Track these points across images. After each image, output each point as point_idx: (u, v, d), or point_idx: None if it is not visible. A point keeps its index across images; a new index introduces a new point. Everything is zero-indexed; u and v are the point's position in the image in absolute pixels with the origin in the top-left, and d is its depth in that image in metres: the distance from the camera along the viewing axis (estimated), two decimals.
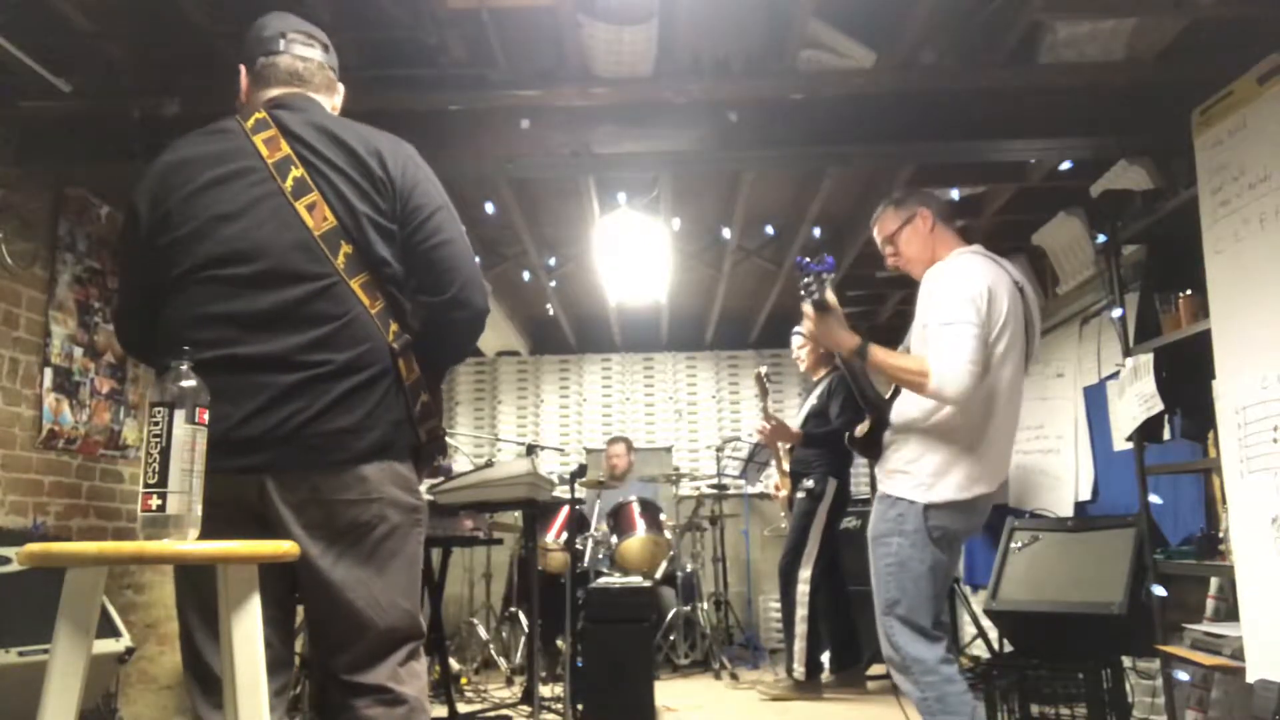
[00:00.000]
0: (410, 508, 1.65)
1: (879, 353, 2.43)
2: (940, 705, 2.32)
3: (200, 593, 1.60)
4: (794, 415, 5.15)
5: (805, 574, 4.54)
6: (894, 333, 7.14)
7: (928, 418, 2.43)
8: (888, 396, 2.57)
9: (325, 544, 1.56)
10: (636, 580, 4.21)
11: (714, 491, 6.06)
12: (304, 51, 1.80)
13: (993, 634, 4.46)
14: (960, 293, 2.38)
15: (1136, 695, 3.53)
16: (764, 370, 4.99)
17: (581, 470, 4.31)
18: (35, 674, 1.29)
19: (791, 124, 3.45)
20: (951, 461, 2.40)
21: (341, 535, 1.57)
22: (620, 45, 3.12)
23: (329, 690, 1.60)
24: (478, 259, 1.76)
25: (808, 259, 2.49)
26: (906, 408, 2.49)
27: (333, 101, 1.85)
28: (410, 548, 1.66)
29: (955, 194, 4.49)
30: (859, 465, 6.51)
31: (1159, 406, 3.18)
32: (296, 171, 1.64)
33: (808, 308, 2.48)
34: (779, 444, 4.83)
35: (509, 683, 4.99)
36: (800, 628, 4.50)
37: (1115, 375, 3.59)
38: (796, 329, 5.02)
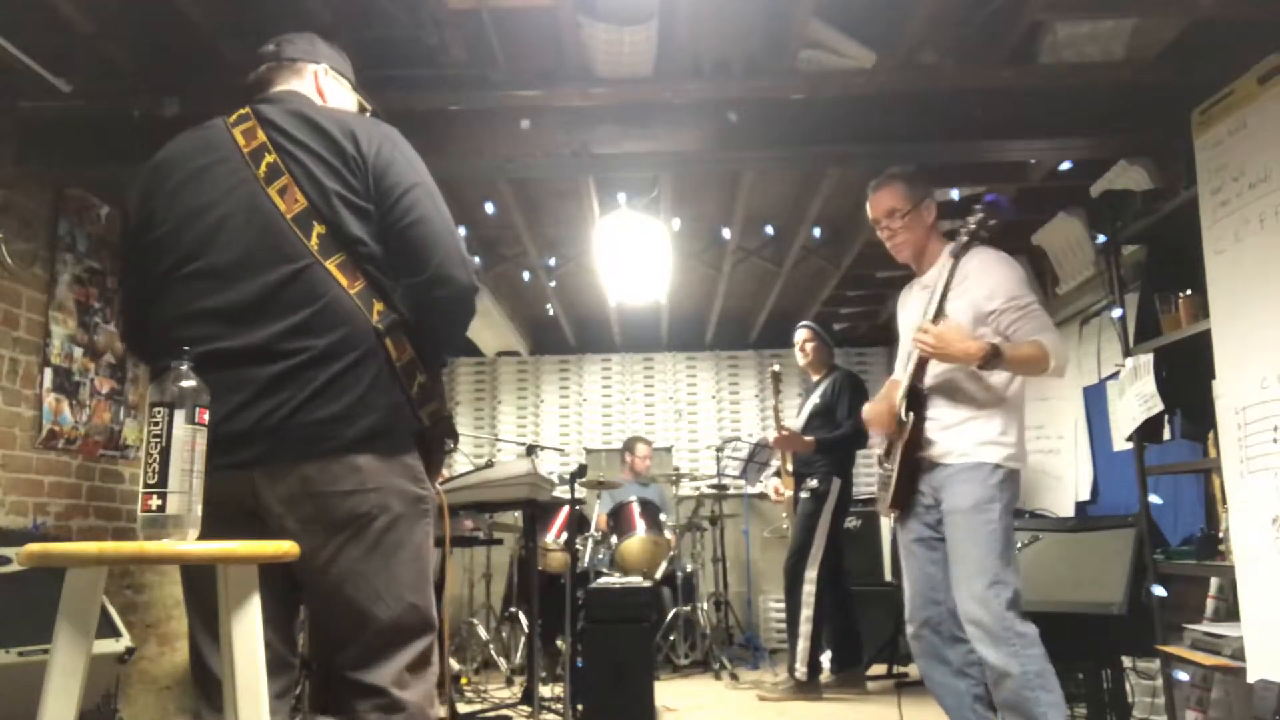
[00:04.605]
0: (415, 497, 1.61)
1: (1009, 351, 2.41)
2: (1040, 681, 2.30)
3: (199, 594, 1.59)
4: (794, 415, 5.14)
5: (811, 574, 4.54)
6: (893, 333, 7.13)
7: (1005, 388, 2.52)
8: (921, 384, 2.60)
9: (323, 537, 1.53)
10: (636, 580, 4.21)
11: (714, 491, 6.06)
12: (259, 65, 1.84)
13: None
14: (1019, 274, 2.54)
15: (1136, 695, 3.52)
16: (778, 368, 5.01)
17: (581, 470, 4.31)
18: (35, 674, 1.28)
19: (791, 124, 3.45)
20: (1023, 431, 2.56)
21: (340, 528, 1.53)
22: (620, 45, 3.11)
23: (334, 689, 1.57)
24: (477, 260, 1.73)
25: (1000, 197, 2.52)
26: (972, 389, 2.52)
27: (304, 81, 1.82)
28: (416, 539, 1.61)
29: (955, 194, 4.49)
30: (861, 465, 6.51)
31: (1159, 406, 3.18)
32: (270, 157, 1.63)
33: (927, 324, 2.47)
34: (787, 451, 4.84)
35: (509, 683, 4.99)
36: (805, 628, 4.50)
37: (1115, 375, 3.59)
38: (802, 323, 5.04)
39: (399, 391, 1.60)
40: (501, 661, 5.35)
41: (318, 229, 1.59)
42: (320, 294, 1.57)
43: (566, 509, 5.00)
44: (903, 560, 2.69)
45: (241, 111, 1.71)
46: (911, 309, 2.74)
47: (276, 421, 1.52)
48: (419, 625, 1.60)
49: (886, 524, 6.07)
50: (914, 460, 2.58)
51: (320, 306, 1.56)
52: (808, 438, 4.72)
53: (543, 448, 5.81)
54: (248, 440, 1.51)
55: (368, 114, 1.89)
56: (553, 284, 5.83)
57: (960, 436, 2.52)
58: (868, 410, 2.83)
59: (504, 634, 5.58)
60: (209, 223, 1.61)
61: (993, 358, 2.37)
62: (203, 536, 1.35)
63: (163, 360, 1.48)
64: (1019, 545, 3.90)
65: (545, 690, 4.49)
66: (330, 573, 1.54)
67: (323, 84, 1.85)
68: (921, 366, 2.58)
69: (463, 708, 4.16)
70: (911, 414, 2.56)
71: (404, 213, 1.63)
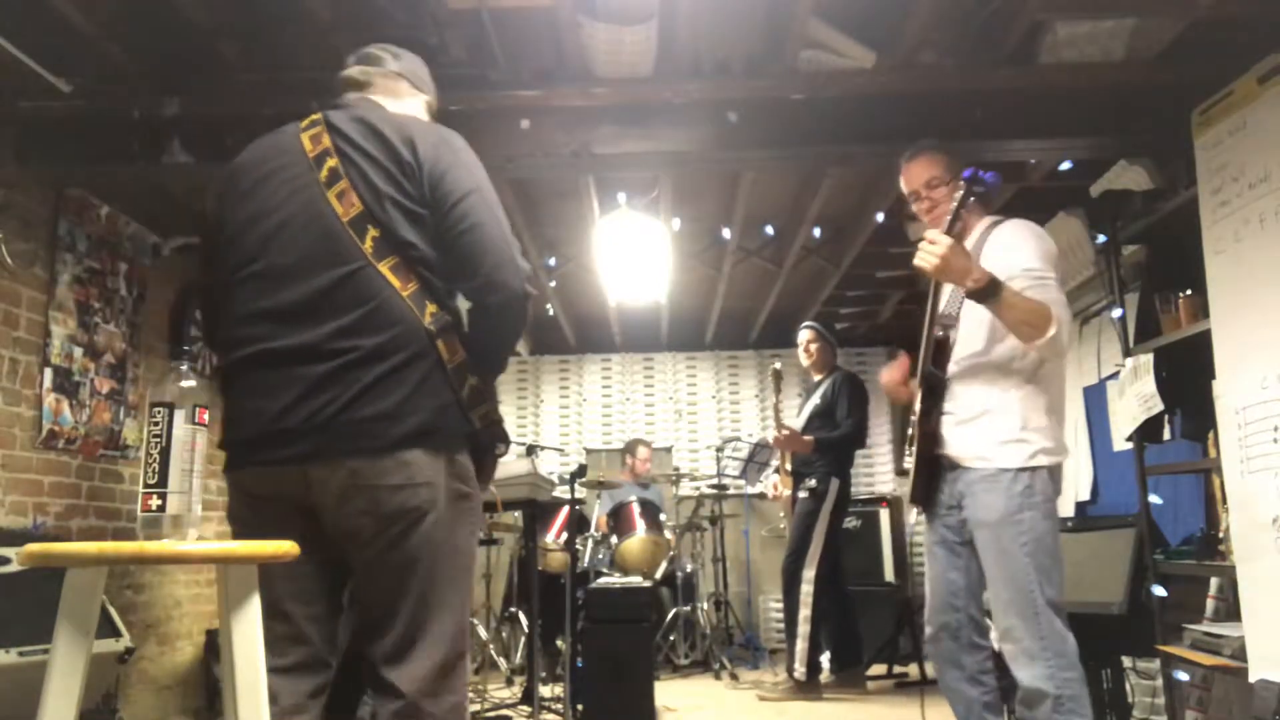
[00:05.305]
0: (461, 495, 1.63)
1: (1010, 291, 2.18)
2: (1073, 704, 2.15)
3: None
4: (794, 415, 5.15)
5: (809, 574, 4.54)
6: (893, 332, 7.14)
7: (1027, 380, 2.32)
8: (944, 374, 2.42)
9: (372, 530, 1.56)
10: (636, 580, 4.21)
11: (714, 491, 6.06)
12: (364, 64, 1.88)
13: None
14: (1045, 248, 2.34)
15: (1136, 695, 3.53)
16: (780, 366, 5.01)
17: (581, 470, 4.31)
18: (35, 674, 1.29)
19: (791, 124, 3.44)
20: (1055, 421, 2.34)
21: (390, 521, 1.56)
22: (620, 45, 3.11)
23: (370, 685, 1.58)
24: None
25: (978, 170, 2.30)
26: (993, 374, 2.34)
27: (402, 103, 1.86)
28: (458, 538, 1.63)
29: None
30: (860, 465, 6.51)
31: (1159, 406, 3.18)
32: (331, 162, 1.67)
33: (938, 234, 2.22)
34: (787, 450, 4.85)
35: (509, 683, 4.99)
36: (803, 628, 4.50)
37: (1115, 375, 3.59)
38: (806, 323, 5.04)
39: (449, 392, 1.63)
40: (501, 661, 5.35)
41: (372, 232, 1.62)
42: (372, 295, 1.60)
43: (566, 509, 5.00)
44: (925, 560, 2.58)
45: (314, 117, 1.75)
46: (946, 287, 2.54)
47: (324, 419, 1.55)
48: (453, 626, 1.60)
49: (886, 524, 6.08)
50: (932, 458, 2.44)
51: (372, 307, 1.60)
52: (807, 438, 4.72)
53: (543, 448, 5.81)
54: (298, 437, 1.55)
55: None
56: (553, 284, 5.84)
57: (976, 436, 2.35)
58: (887, 373, 2.68)
59: (504, 634, 5.58)
60: (270, 225, 1.66)
61: (992, 286, 2.17)
62: (257, 532, 1.40)
63: (224, 357, 1.60)
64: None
65: (545, 690, 4.49)
66: (376, 565, 1.57)
67: (415, 107, 1.90)
68: (942, 350, 2.41)
69: None
70: (925, 405, 2.40)
71: (459, 219, 1.66)
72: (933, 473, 2.46)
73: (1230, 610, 3.01)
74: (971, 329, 2.41)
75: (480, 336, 1.69)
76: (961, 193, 2.28)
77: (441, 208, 1.65)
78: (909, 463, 2.53)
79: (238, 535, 1.64)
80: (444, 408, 1.61)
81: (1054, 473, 2.33)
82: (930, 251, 2.20)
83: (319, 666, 1.63)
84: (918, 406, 2.45)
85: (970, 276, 2.18)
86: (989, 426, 2.34)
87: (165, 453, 1.32)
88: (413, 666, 1.55)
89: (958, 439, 2.39)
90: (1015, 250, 2.34)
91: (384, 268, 1.61)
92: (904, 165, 2.60)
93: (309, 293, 1.60)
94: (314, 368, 1.56)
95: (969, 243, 2.46)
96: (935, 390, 2.42)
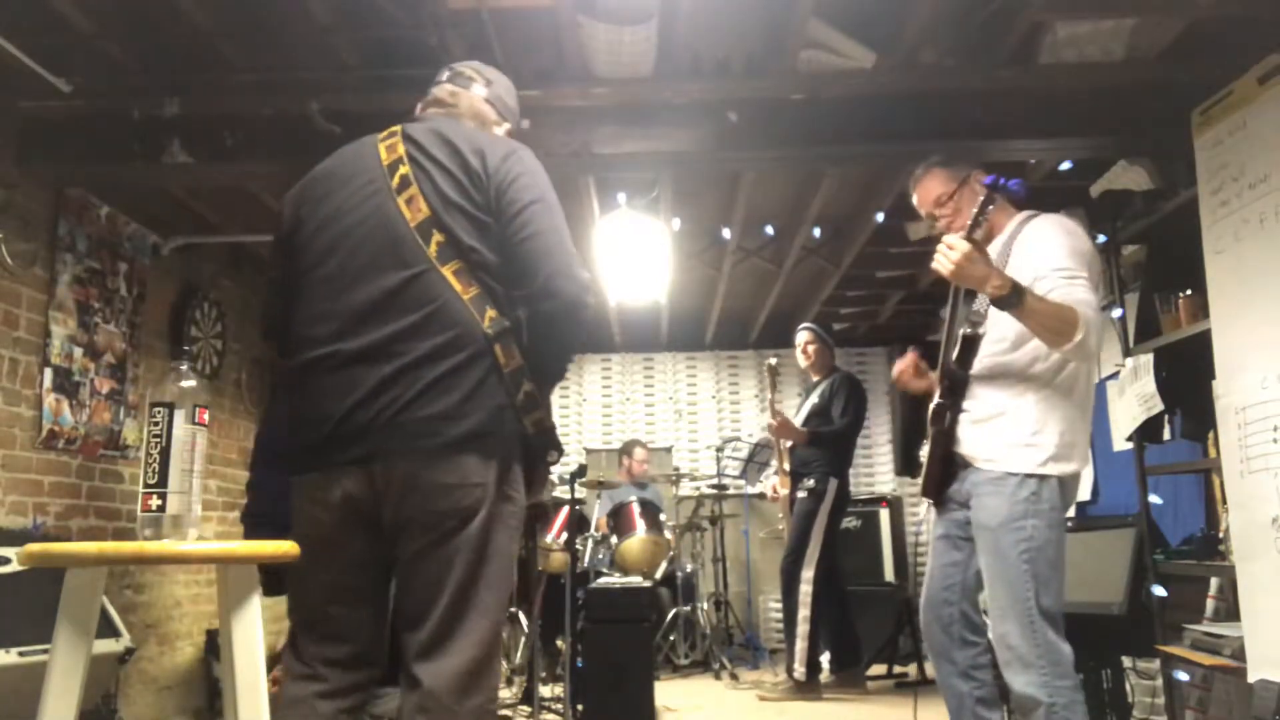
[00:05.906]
0: (506, 498, 1.65)
1: (1032, 296, 2.11)
2: (1067, 713, 2.12)
3: (298, 595, 1.65)
4: (793, 415, 5.15)
5: (808, 574, 4.54)
6: (893, 332, 7.14)
7: (1047, 384, 2.27)
8: (968, 370, 2.37)
9: (423, 525, 1.59)
10: (636, 580, 4.21)
11: (714, 491, 6.06)
12: (455, 84, 1.95)
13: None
14: (1076, 245, 2.28)
15: (1136, 695, 3.53)
16: (774, 362, 5.01)
17: (581, 470, 4.32)
18: (35, 674, 1.29)
19: (791, 124, 3.44)
20: (1073, 429, 2.28)
21: (443, 518, 1.58)
22: (620, 45, 3.11)
23: (400, 678, 1.60)
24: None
25: (1000, 178, 2.25)
26: (1013, 376, 2.30)
27: (485, 130, 1.90)
28: (500, 541, 1.64)
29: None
30: (859, 465, 6.52)
31: (1159, 406, 3.18)
32: (403, 169, 1.72)
33: (957, 239, 2.16)
34: (782, 440, 4.85)
35: (509, 683, 4.99)
36: (802, 628, 4.50)
37: (1115, 375, 3.59)
38: (804, 325, 5.04)
39: (504, 396, 1.65)
40: (501, 661, 5.35)
41: (437, 237, 1.67)
42: (433, 298, 1.64)
43: (566, 509, 5.00)
44: (929, 553, 2.57)
45: (392, 129, 1.81)
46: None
47: (386, 419, 1.58)
48: (487, 628, 1.62)
49: (886, 524, 6.08)
50: (947, 454, 2.41)
51: (433, 310, 1.63)
52: (802, 428, 4.74)
53: None
54: (364, 436, 1.58)
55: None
56: None
57: (988, 437, 2.32)
58: (899, 365, 2.66)
59: (504, 634, 5.58)
60: (341, 229, 1.71)
61: (1015, 294, 2.09)
62: (316, 537, 1.45)
63: (293, 357, 1.66)
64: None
65: (545, 690, 4.49)
66: (419, 560, 1.59)
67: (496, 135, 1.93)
68: (970, 347, 2.36)
69: None
70: (942, 402, 2.38)
71: (520, 227, 1.69)
72: (946, 469, 2.44)
73: (1230, 610, 3.01)
74: (998, 328, 2.36)
75: (538, 343, 1.72)
76: (983, 199, 2.24)
77: (505, 215, 1.69)
78: (924, 454, 2.51)
79: (259, 535, 1.66)
80: (498, 410, 1.64)
81: (1066, 482, 2.28)
82: (947, 256, 2.17)
83: (364, 663, 1.66)
84: (935, 402, 2.43)
85: (990, 284, 2.13)
86: (1002, 428, 2.31)
87: (165, 453, 1.32)
88: (443, 664, 1.56)
89: (971, 438, 2.37)
90: (1045, 248, 2.29)
91: (447, 272, 1.65)
92: (913, 187, 2.59)
93: (375, 294, 1.64)
94: (378, 369, 1.60)
95: (1000, 239, 2.43)
96: (956, 388, 2.40)
